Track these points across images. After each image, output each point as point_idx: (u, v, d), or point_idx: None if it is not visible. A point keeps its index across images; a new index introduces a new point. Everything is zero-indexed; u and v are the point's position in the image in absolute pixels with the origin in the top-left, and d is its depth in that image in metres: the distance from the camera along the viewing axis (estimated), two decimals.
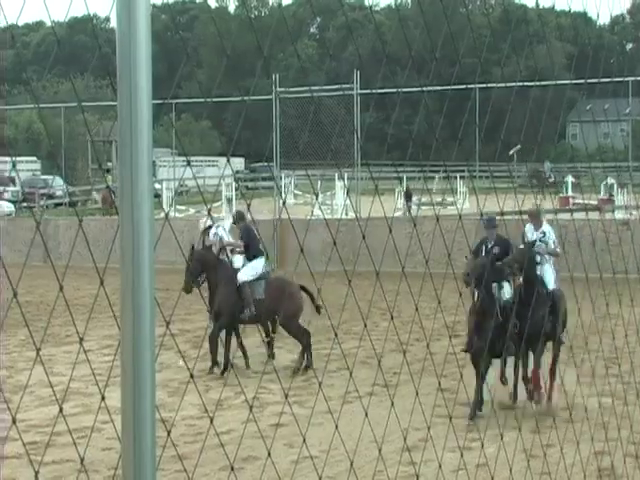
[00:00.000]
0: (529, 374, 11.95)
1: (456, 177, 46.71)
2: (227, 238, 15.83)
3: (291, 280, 14.88)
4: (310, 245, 24.44)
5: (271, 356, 15.01)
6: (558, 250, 12.31)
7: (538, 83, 46.37)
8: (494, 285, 11.73)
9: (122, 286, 2.49)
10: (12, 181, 52.33)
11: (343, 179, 36.92)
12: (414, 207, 37.45)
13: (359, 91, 34.48)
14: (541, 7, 78.98)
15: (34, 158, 61.07)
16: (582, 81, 37.30)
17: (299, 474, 8.39)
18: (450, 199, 39.43)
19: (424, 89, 43.57)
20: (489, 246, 12.17)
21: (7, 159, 55.37)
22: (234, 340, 14.89)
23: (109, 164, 48.09)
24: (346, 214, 34.39)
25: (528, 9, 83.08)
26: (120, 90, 2.44)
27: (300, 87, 37.96)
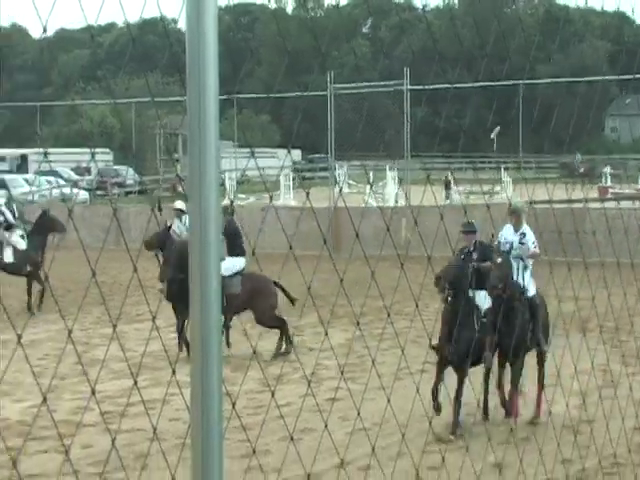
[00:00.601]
0: (505, 387, 11.05)
1: (500, 168, 46.40)
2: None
3: (265, 277, 14.61)
4: (363, 231, 24.40)
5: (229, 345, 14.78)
6: (537, 251, 11.12)
7: (582, 79, 45.94)
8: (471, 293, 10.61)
9: (191, 269, 2.52)
10: (87, 171, 52.94)
11: (394, 170, 36.82)
12: (456, 196, 37.24)
13: (409, 87, 34.46)
14: (581, 7, 78.05)
15: (107, 150, 61.59)
16: (629, 77, 36.78)
17: (353, 445, 8.41)
18: (497, 188, 39.21)
19: (474, 85, 43.39)
20: (469, 252, 11.02)
21: (83, 150, 56.03)
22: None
23: (175, 155, 48.47)
24: (396, 202, 34.30)
25: (570, 9, 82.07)
26: (189, 88, 2.46)
27: (354, 83, 37.93)
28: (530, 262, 11.05)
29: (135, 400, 10.23)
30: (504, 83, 41.45)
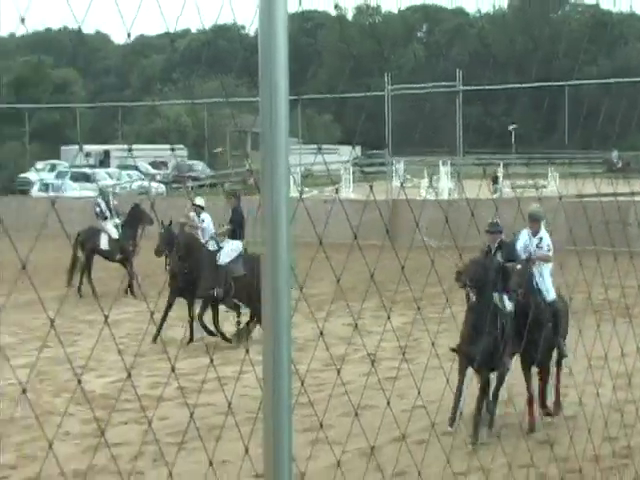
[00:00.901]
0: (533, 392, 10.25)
1: (547, 163, 45.89)
2: (211, 225, 15.88)
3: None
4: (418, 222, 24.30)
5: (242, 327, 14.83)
6: (550, 254, 10.46)
7: (623, 79, 45.22)
8: (496, 295, 9.97)
9: (264, 256, 2.53)
10: (164, 165, 53.47)
11: (449, 165, 36.65)
12: (506, 190, 36.91)
13: (462, 88, 34.35)
14: (624, 12, 76.90)
15: (182, 146, 62.03)
16: None
17: (410, 421, 8.39)
18: (543, 182, 38.84)
19: (524, 86, 42.95)
20: (492, 252, 10.41)
21: (160, 147, 56.61)
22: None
23: (247, 151, 48.79)
24: (449, 195, 34.14)
25: (614, 14, 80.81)
26: (262, 89, 2.47)
27: (410, 85, 37.84)
28: (547, 266, 10.45)
29: (205, 377, 10.34)
30: (552, 84, 41.06)
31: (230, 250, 14.88)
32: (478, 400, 9.84)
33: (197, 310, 14.72)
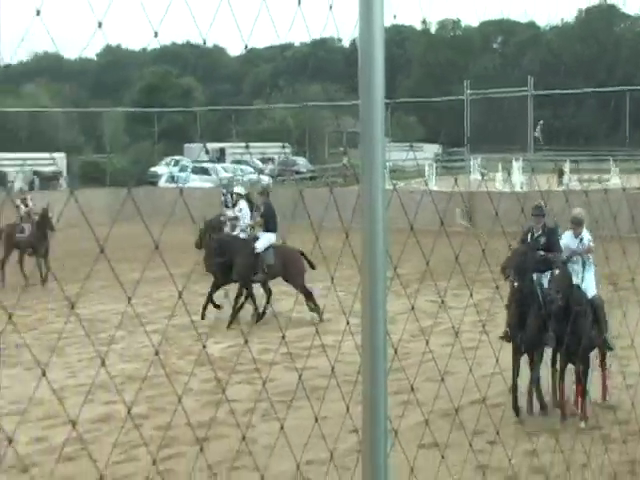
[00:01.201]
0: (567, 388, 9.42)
1: (609, 159, 44.79)
2: (247, 212, 15.82)
3: (293, 248, 14.33)
4: (493, 212, 23.99)
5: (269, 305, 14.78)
6: (592, 244, 9.62)
7: None
8: (534, 276, 9.31)
9: (362, 237, 2.53)
10: (271, 160, 53.96)
11: (521, 160, 36.10)
12: (573, 183, 36.08)
13: (533, 92, 33.90)
14: None
15: (287, 144, 62.36)
16: None
17: (485, 385, 8.32)
18: (606, 176, 37.91)
19: (588, 91, 41.91)
20: (535, 235, 9.71)
21: (268, 144, 57.17)
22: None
23: (341, 149, 48.83)
24: (521, 188, 33.61)
25: None
26: (361, 94, 2.46)
27: (487, 90, 37.40)
28: (591, 259, 9.66)
29: (307, 345, 10.40)
30: (614, 89, 40.06)
31: (266, 240, 14.84)
32: (532, 378, 9.33)
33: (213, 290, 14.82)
